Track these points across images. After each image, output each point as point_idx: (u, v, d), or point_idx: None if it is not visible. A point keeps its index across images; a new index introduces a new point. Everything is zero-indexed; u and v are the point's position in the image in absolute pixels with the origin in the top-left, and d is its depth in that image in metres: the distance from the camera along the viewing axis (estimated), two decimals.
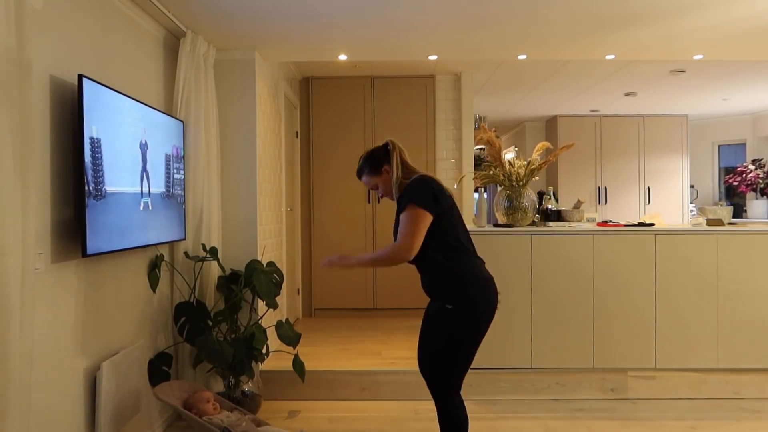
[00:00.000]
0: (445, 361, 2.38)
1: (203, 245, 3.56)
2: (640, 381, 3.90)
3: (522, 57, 4.37)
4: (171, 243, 3.48)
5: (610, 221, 4.63)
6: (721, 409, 3.72)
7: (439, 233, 2.38)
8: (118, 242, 2.67)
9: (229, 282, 3.68)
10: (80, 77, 2.37)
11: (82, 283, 2.56)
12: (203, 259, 3.48)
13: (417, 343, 2.50)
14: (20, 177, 1.97)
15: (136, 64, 3.18)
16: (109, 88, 2.60)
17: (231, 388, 3.50)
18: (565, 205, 4.89)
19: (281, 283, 3.75)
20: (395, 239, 2.45)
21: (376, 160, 2.55)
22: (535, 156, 4.06)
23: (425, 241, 2.36)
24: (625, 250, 3.92)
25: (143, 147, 2.94)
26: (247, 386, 3.60)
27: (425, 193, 2.37)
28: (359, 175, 2.62)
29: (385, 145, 2.56)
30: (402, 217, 2.38)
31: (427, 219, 2.34)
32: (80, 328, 2.55)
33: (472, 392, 3.90)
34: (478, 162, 6.03)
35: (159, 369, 3.22)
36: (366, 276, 5.88)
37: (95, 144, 2.47)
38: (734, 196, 8.23)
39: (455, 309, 2.34)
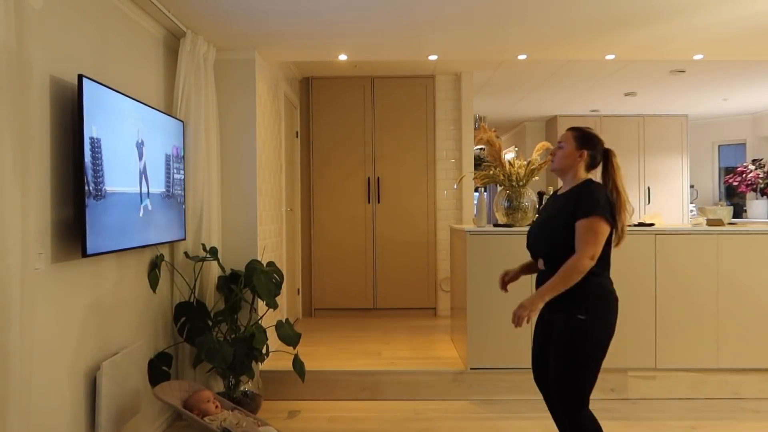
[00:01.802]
0: (585, 373, 2.34)
1: (203, 245, 3.56)
2: (640, 381, 3.90)
3: (522, 57, 4.37)
4: (171, 243, 3.48)
5: None
6: (721, 409, 3.72)
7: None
8: (118, 242, 2.67)
9: (229, 282, 3.68)
10: (80, 77, 2.37)
11: (82, 283, 2.56)
12: (203, 259, 3.48)
13: (532, 362, 2.51)
14: (20, 177, 1.97)
15: (136, 64, 3.18)
16: (109, 88, 2.60)
17: (231, 388, 3.50)
18: None
19: (281, 283, 3.75)
20: (538, 242, 2.46)
21: (587, 139, 2.50)
22: (535, 156, 4.06)
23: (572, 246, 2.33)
24: (624, 250, 3.88)
25: (143, 147, 2.94)
26: (247, 386, 3.61)
27: (607, 207, 2.35)
28: (568, 129, 2.55)
29: (605, 149, 2.51)
30: (583, 225, 2.31)
31: (607, 232, 2.33)
32: (80, 328, 2.55)
33: (472, 392, 3.90)
34: (478, 162, 6.04)
35: (159, 369, 3.22)
36: (366, 276, 5.88)
37: (95, 144, 2.47)
38: (734, 196, 8.23)
39: (589, 320, 2.30)
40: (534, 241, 2.55)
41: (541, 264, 2.51)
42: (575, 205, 2.37)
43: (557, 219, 2.42)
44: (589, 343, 2.32)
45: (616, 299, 2.39)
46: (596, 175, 2.55)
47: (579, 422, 2.37)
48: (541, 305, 2.33)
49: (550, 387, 2.45)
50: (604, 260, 2.39)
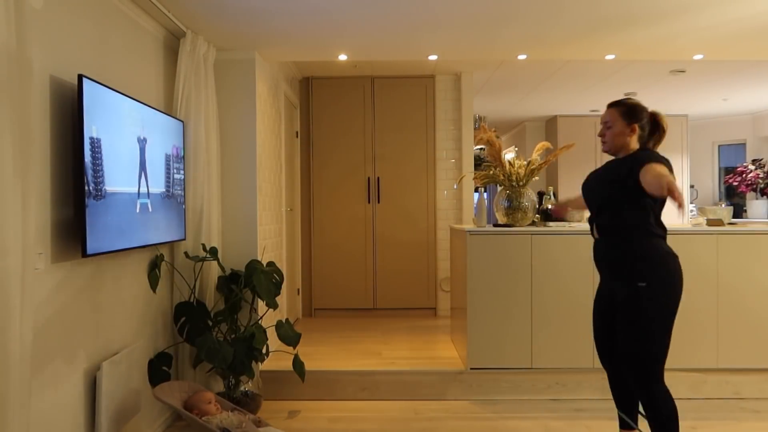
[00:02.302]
0: (655, 342, 2.29)
1: (203, 245, 3.56)
2: None
3: (522, 57, 4.37)
4: (171, 243, 3.48)
5: None
6: (721, 409, 3.72)
7: (653, 205, 2.32)
8: (118, 242, 2.67)
9: (229, 282, 3.68)
10: (80, 77, 2.37)
11: (82, 283, 2.56)
12: (203, 259, 3.48)
13: (595, 340, 2.47)
14: (20, 177, 1.97)
15: (136, 64, 3.18)
16: (109, 88, 2.60)
17: (231, 388, 3.50)
18: None
19: (281, 283, 3.75)
20: (594, 193, 2.43)
21: (634, 112, 2.46)
22: (535, 156, 4.06)
23: (637, 200, 2.26)
24: None
25: (143, 147, 2.94)
26: (247, 386, 3.61)
27: (665, 162, 2.32)
28: (610, 106, 2.48)
29: (653, 113, 2.45)
30: (650, 168, 2.22)
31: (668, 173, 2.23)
32: (80, 328, 2.55)
33: (472, 392, 3.90)
34: (478, 162, 6.04)
35: (159, 369, 3.22)
36: (366, 276, 5.88)
37: (95, 144, 2.47)
38: (734, 196, 8.23)
39: (651, 286, 2.25)
40: (592, 190, 2.51)
41: (595, 232, 2.46)
42: (630, 168, 2.31)
43: (611, 178, 2.38)
44: (654, 310, 2.26)
45: (676, 260, 2.31)
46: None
47: (653, 395, 2.30)
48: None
49: (620, 361, 2.36)
50: (659, 222, 2.34)
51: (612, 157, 2.58)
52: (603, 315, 2.51)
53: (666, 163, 2.32)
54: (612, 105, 2.47)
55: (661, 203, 2.36)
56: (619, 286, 2.33)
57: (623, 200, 2.31)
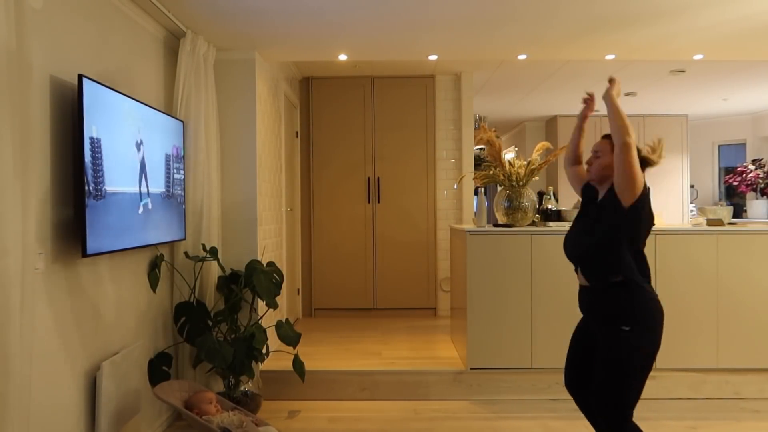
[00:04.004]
0: (629, 387, 2.28)
1: (203, 245, 3.56)
2: None
3: (522, 57, 4.37)
4: (171, 243, 3.48)
5: None
6: (721, 409, 3.72)
7: (634, 236, 2.31)
8: (118, 242, 2.67)
9: (229, 282, 3.68)
10: (80, 77, 2.37)
11: (82, 283, 2.56)
12: (203, 259, 3.48)
13: (566, 367, 2.50)
14: (20, 177, 1.97)
15: (136, 64, 3.18)
16: (109, 88, 2.60)
17: (231, 388, 3.50)
18: (565, 205, 4.89)
19: (281, 283, 3.75)
20: (575, 248, 2.44)
21: None
22: (535, 156, 4.06)
23: (616, 246, 2.28)
24: None
25: (143, 147, 2.94)
26: (247, 386, 3.61)
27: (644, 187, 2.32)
28: (604, 137, 2.50)
29: (644, 157, 2.45)
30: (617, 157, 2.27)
31: (642, 179, 2.28)
32: (80, 328, 2.55)
33: (472, 392, 3.90)
34: (478, 162, 6.04)
35: (159, 369, 3.22)
36: (366, 276, 5.88)
37: (95, 144, 2.47)
38: (734, 196, 8.23)
39: (634, 331, 2.25)
40: (573, 246, 2.50)
41: (581, 279, 2.48)
42: (611, 196, 2.32)
43: (598, 220, 2.37)
44: (635, 355, 2.26)
45: (660, 308, 2.32)
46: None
47: None
48: (610, 99, 2.41)
49: (592, 399, 2.38)
50: (644, 268, 2.34)
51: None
52: (578, 349, 2.52)
53: (646, 195, 2.33)
54: (606, 137, 2.50)
55: (645, 237, 2.37)
56: (602, 330, 2.34)
57: (607, 246, 2.31)
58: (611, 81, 2.47)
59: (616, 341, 2.29)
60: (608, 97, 2.43)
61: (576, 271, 2.51)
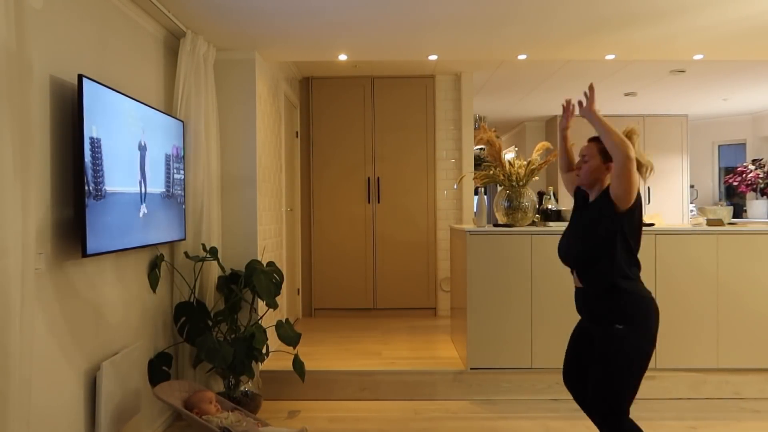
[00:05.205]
0: (625, 384, 2.30)
1: (203, 245, 3.56)
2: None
3: (522, 57, 4.37)
4: (171, 243, 3.48)
5: None
6: (721, 409, 3.72)
7: (626, 238, 2.32)
8: (118, 242, 2.67)
9: (229, 282, 3.68)
10: (80, 77, 2.37)
11: (82, 283, 2.56)
12: (203, 259, 3.48)
13: (564, 366, 2.52)
14: (20, 177, 1.97)
15: (136, 64, 3.18)
16: (109, 88, 2.60)
17: (231, 388, 3.50)
18: (565, 205, 4.88)
19: (281, 283, 3.75)
20: (569, 252, 2.46)
21: None
22: (535, 156, 4.06)
23: (609, 249, 2.30)
24: None
25: (143, 147, 2.94)
26: (247, 386, 3.61)
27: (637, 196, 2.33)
28: (591, 140, 2.48)
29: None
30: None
31: (637, 183, 2.29)
32: (80, 328, 2.55)
33: (472, 392, 3.90)
34: (478, 162, 6.03)
35: (159, 369, 3.22)
36: (366, 276, 5.88)
37: (95, 144, 2.47)
38: (734, 196, 8.23)
39: (628, 329, 2.27)
40: (567, 250, 2.51)
41: (576, 281, 2.48)
42: (601, 201, 2.35)
43: (591, 224, 2.38)
44: (630, 353, 2.28)
45: (654, 304, 2.33)
46: None
47: (621, 430, 2.32)
48: (594, 116, 2.37)
49: (589, 396, 2.40)
50: (635, 264, 2.36)
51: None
52: (575, 347, 2.54)
53: (638, 197, 2.33)
54: (592, 140, 2.49)
55: (637, 239, 2.37)
56: (596, 329, 2.36)
57: (601, 248, 2.32)
58: (590, 89, 2.45)
59: (610, 339, 2.30)
60: (590, 114, 2.40)
61: (571, 273, 2.52)
